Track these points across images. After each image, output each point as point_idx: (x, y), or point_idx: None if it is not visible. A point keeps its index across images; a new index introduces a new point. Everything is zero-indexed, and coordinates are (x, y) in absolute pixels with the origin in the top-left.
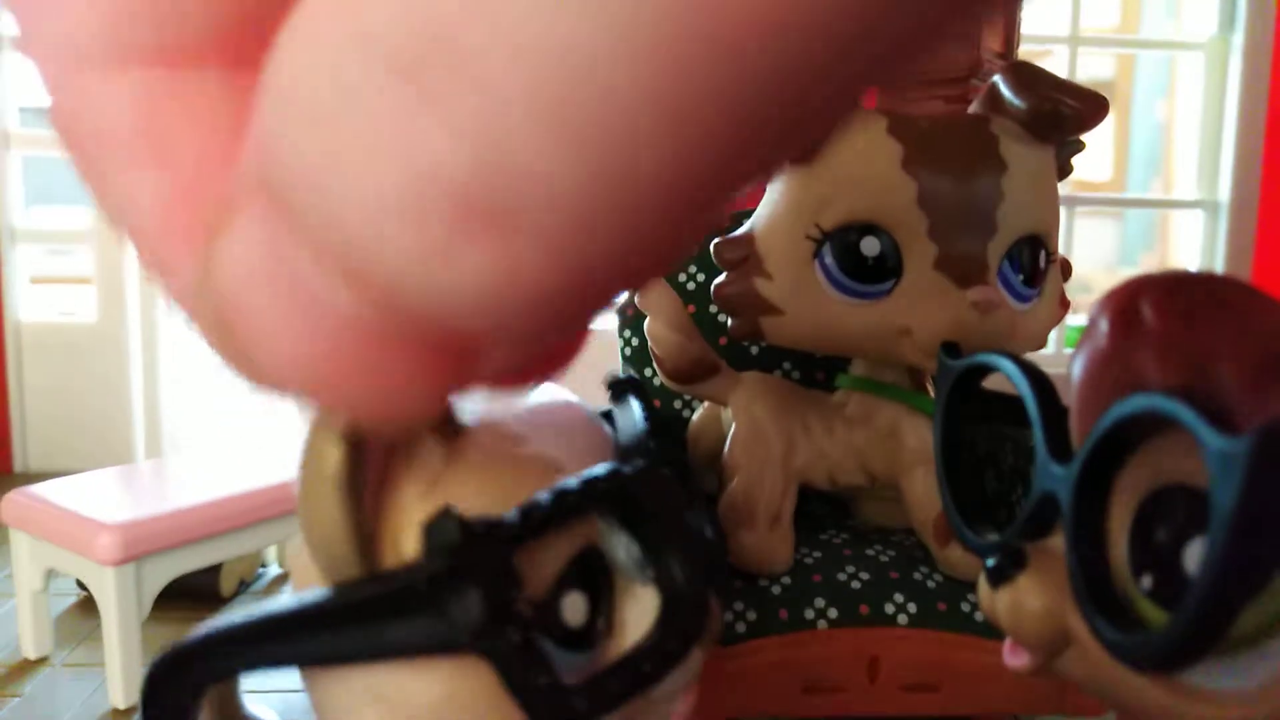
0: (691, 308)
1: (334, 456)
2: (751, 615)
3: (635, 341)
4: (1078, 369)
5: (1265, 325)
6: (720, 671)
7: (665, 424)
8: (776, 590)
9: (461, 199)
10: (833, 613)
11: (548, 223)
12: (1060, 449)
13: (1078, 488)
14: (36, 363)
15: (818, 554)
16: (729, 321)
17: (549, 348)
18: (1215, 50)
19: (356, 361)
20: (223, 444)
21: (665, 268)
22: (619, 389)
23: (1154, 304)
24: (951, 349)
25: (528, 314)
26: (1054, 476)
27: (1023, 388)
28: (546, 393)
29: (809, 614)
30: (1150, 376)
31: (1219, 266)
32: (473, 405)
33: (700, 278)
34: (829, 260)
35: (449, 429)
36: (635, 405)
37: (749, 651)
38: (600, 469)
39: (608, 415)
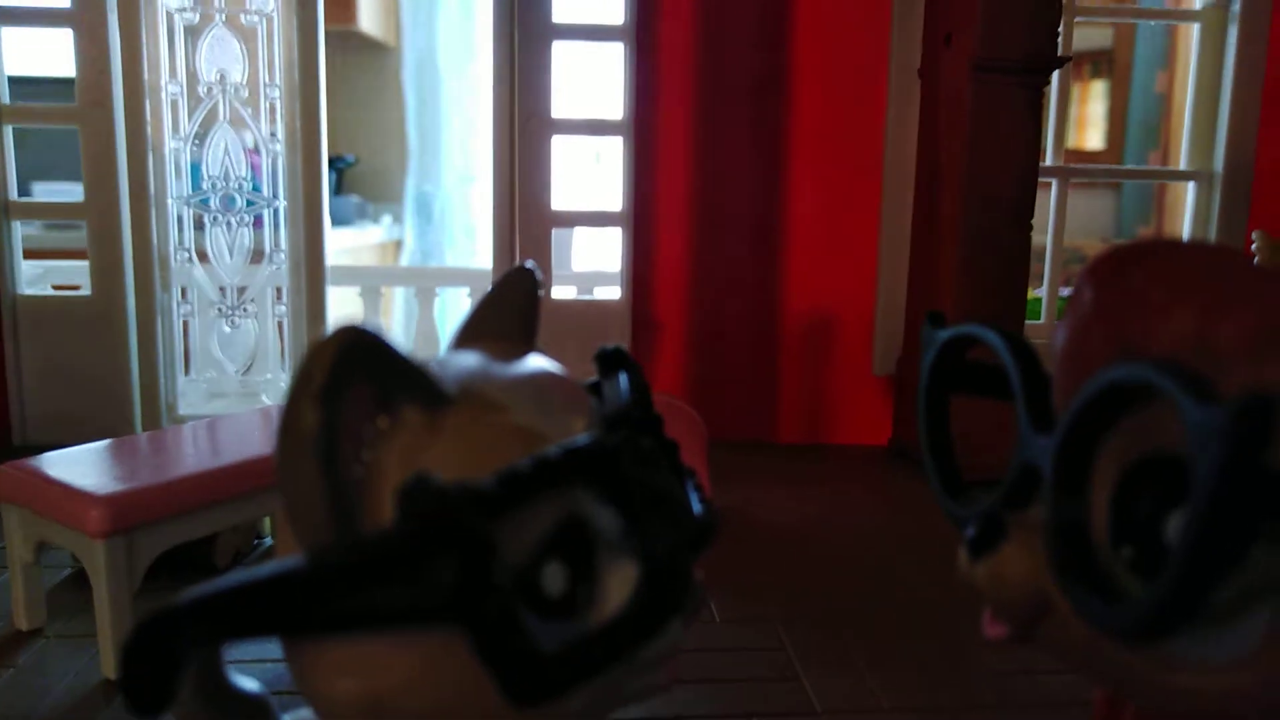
0: None
1: (311, 419)
2: None
3: None
4: (1062, 337)
5: (1263, 295)
6: None
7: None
8: None
9: None
10: None
11: None
12: (1042, 420)
13: (1058, 457)
14: (33, 337)
15: None
16: None
17: None
18: (1212, 20)
19: None
20: (219, 415)
21: None
22: (608, 361)
23: (1147, 271)
24: (936, 319)
25: None
26: (1035, 447)
27: (1006, 358)
28: (532, 363)
29: None
30: (1140, 344)
31: (1213, 238)
32: (456, 375)
33: None
34: None
35: (432, 398)
36: (623, 378)
37: None
38: (583, 439)
39: (596, 388)
